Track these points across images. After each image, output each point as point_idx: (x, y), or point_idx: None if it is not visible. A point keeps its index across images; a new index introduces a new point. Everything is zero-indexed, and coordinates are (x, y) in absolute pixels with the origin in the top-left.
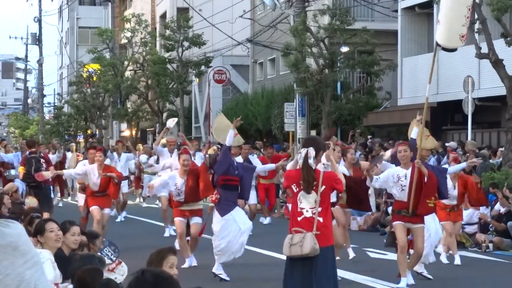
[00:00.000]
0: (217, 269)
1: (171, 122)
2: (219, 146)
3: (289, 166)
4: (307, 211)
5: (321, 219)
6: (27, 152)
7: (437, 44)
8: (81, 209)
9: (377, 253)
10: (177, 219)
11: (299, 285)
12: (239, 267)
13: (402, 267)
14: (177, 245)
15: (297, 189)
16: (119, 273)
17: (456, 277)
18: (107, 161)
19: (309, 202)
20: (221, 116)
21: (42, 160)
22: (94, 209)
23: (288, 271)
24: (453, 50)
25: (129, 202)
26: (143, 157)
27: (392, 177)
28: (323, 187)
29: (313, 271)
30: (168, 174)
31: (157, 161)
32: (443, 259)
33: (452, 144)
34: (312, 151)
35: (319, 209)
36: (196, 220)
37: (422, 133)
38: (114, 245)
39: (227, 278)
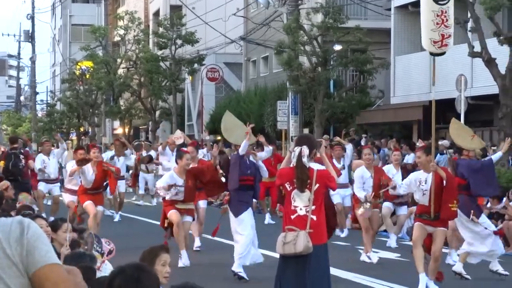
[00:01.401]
0: (237, 267)
1: (178, 139)
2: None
3: (282, 164)
4: (300, 209)
5: (314, 217)
6: (8, 148)
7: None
8: (70, 205)
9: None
10: (172, 212)
11: (292, 283)
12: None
13: (418, 262)
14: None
15: (291, 188)
16: (105, 271)
17: (450, 275)
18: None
19: (302, 200)
20: (228, 114)
21: (21, 156)
22: (88, 204)
23: (281, 270)
24: (437, 54)
25: (126, 200)
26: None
27: (415, 182)
28: (317, 185)
29: (306, 269)
30: (167, 175)
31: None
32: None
33: (444, 142)
34: (306, 150)
35: (313, 207)
36: (187, 219)
37: (461, 132)
38: (97, 237)
39: (246, 278)
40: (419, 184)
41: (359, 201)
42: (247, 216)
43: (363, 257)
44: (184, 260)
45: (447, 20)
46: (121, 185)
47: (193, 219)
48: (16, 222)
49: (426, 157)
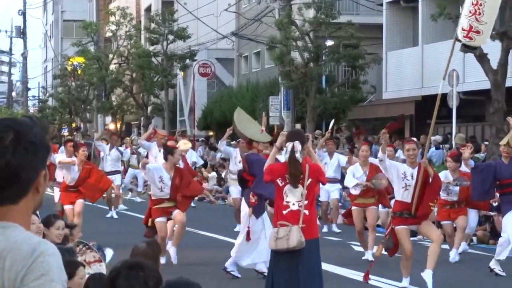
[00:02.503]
0: (230, 266)
1: (184, 146)
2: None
3: (268, 160)
4: (293, 204)
5: (307, 212)
6: None
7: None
8: (58, 205)
9: (359, 245)
10: (158, 221)
11: (285, 278)
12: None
13: (406, 270)
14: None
15: (283, 183)
16: (95, 270)
17: (441, 270)
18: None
19: (295, 195)
20: (240, 111)
21: None
22: (67, 209)
23: (273, 265)
24: (467, 47)
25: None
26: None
27: (397, 171)
28: (310, 180)
29: (299, 264)
30: (153, 165)
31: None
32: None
33: (437, 138)
34: (298, 145)
35: (305, 202)
36: (178, 210)
37: None
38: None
39: (238, 275)
40: (403, 177)
41: (354, 197)
42: (264, 218)
43: (368, 256)
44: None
45: (479, 13)
46: (116, 179)
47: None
48: (27, 252)
49: (418, 151)
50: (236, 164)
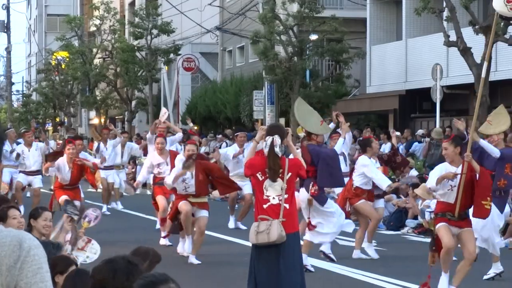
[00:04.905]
0: (327, 248)
1: (163, 116)
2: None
3: (247, 155)
4: (273, 198)
5: (287, 206)
6: None
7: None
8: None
9: (346, 240)
10: (183, 202)
11: (266, 272)
12: (227, 261)
13: (445, 265)
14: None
15: (263, 178)
16: (91, 251)
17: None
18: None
19: (275, 189)
20: (300, 101)
21: None
22: (63, 199)
23: (254, 259)
24: (507, 18)
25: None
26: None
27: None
28: (289, 174)
29: (280, 258)
30: (178, 161)
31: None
32: None
33: (419, 132)
34: (277, 139)
35: (286, 195)
36: (203, 214)
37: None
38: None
39: (335, 259)
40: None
41: (360, 194)
42: (330, 201)
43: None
44: (186, 248)
45: None
46: (110, 175)
47: (208, 213)
48: (14, 245)
49: (454, 149)
50: (234, 162)
